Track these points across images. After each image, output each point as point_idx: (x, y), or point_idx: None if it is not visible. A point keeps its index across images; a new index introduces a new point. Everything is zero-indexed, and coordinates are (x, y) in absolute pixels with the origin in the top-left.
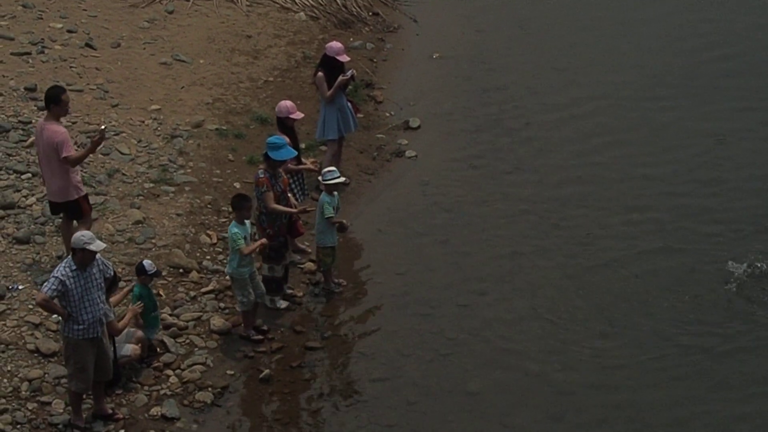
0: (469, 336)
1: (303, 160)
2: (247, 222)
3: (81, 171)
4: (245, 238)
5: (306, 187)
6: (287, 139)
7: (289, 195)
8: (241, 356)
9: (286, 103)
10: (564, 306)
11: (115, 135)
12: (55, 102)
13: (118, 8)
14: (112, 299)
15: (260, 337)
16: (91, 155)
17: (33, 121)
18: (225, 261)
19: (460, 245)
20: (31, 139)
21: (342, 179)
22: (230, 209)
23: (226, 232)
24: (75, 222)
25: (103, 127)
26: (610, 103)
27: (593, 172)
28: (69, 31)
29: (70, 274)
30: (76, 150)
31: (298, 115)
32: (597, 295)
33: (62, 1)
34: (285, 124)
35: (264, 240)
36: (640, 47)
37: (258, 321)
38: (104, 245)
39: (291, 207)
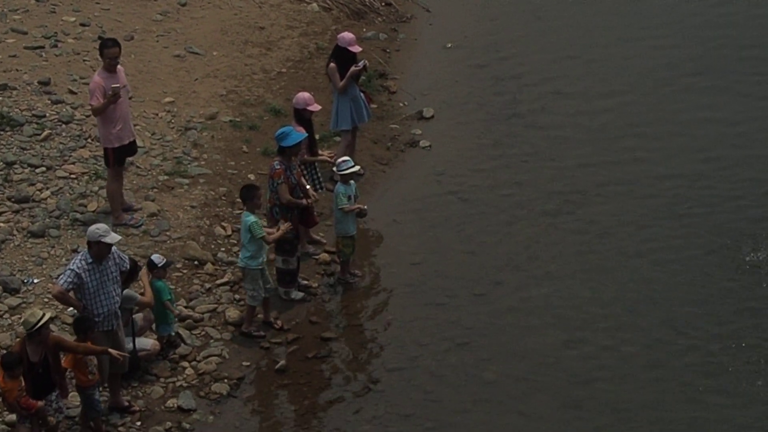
0: (485, 325)
1: (320, 152)
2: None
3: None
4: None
5: (321, 179)
6: (301, 131)
7: (308, 186)
8: (257, 347)
9: (304, 95)
10: (580, 294)
11: None
12: (100, 54)
13: (130, 1)
14: (146, 296)
15: (262, 333)
16: None
17: (47, 114)
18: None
19: (475, 234)
20: (46, 133)
21: (356, 168)
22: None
23: (241, 224)
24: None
25: (116, 84)
26: (626, 90)
27: (610, 160)
28: (82, 25)
29: (86, 266)
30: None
31: (316, 107)
32: (614, 283)
33: None
34: (302, 116)
35: (289, 224)
36: (656, 34)
37: (273, 313)
38: (119, 237)
39: (309, 197)
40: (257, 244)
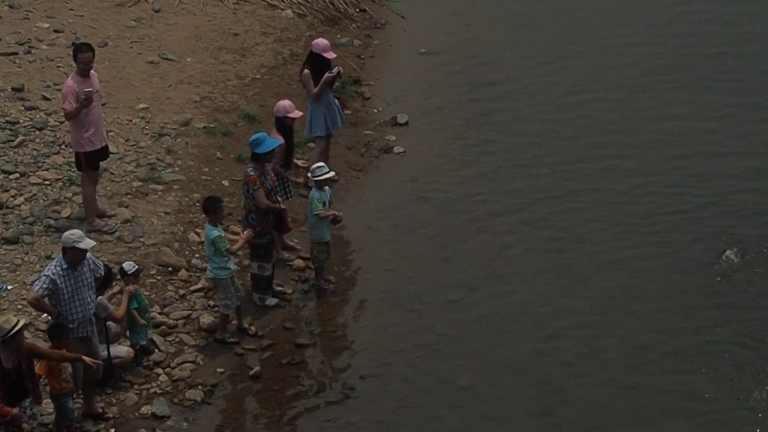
0: (459, 331)
1: (295, 159)
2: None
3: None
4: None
5: (290, 189)
6: (281, 139)
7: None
8: (231, 354)
9: (284, 103)
10: (555, 300)
11: None
12: (74, 58)
13: (104, 7)
14: (106, 296)
15: (236, 340)
16: None
17: (20, 121)
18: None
19: (449, 241)
20: (19, 139)
21: (331, 174)
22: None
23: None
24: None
25: (89, 89)
26: (600, 96)
27: (583, 165)
28: (56, 31)
29: (61, 272)
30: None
31: (297, 113)
32: (588, 289)
33: (49, 1)
34: (283, 124)
35: (250, 231)
36: (630, 40)
37: (247, 319)
38: (93, 242)
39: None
40: (225, 254)
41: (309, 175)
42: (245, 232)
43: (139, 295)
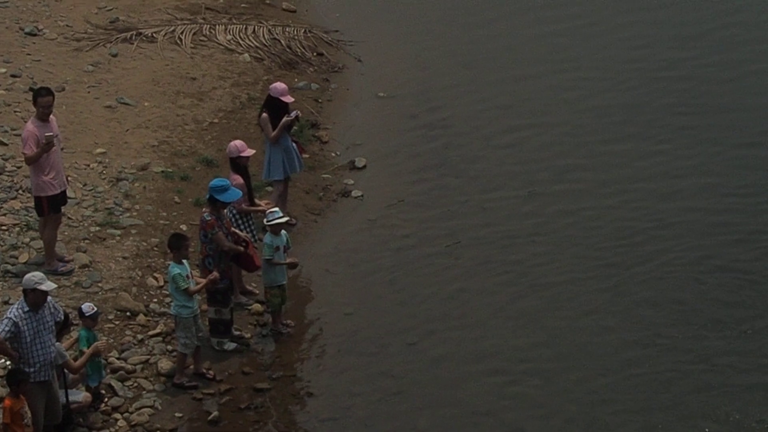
0: (417, 375)
1: (257, 201)
2: (185, 261)
3: None
4: (187, 277)
5: (254, 230)
6: (239, 180)
7: (237, 231)
8: (189, 398)
9: (236, 143)
10: (512, 343)
11: None
12: (33, 103)
13: (62, 52)
14: (64, 344)
15: (194, 384)
16: None
17: None
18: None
19: (407, 284)
20: None
21: (285, 219)
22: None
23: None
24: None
25: (49, 133)
26: (555, 139)
27: (540, 208)
28: (13, 76)
29: (23, 315)
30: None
31: (249, 152)
32: (544, 332)
33: (5, 46)
34: (238, 164)
35: (215, 274)
36: (584, 84)
37: (205, 363)
38: (54, 285)
39: (243, 242)
40: (185, 293)
41: (264, 220)
42: (210, 276)
43: (92, 338)
